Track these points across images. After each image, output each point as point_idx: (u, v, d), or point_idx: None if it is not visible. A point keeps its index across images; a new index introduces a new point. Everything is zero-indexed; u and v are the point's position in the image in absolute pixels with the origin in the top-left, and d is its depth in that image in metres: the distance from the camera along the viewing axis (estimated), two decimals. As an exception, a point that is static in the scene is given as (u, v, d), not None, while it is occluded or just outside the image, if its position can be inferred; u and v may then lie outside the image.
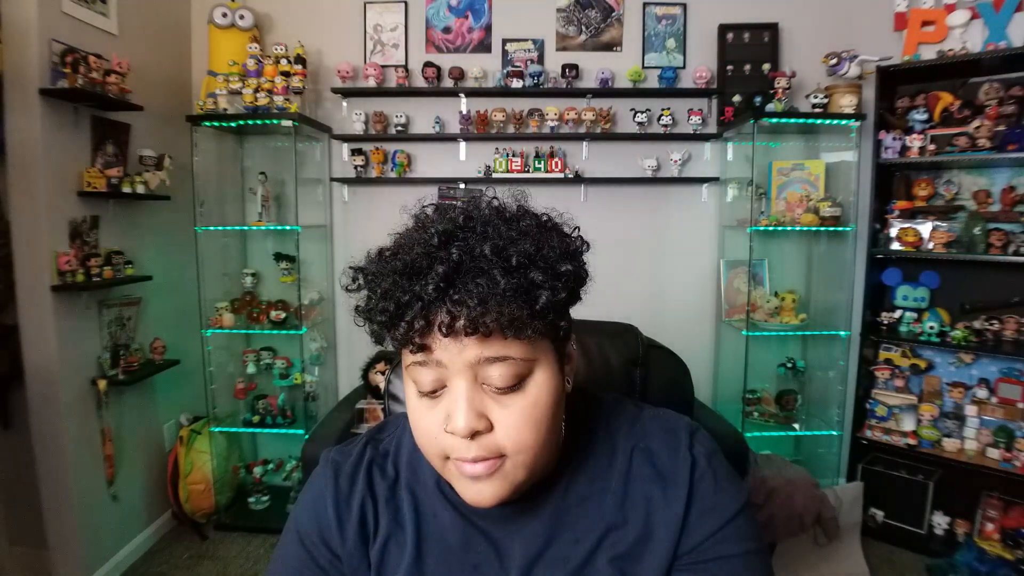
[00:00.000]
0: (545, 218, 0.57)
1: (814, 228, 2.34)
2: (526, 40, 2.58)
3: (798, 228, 2.37)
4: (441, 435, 0.53)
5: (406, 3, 2.56)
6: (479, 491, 0.54)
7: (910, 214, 2.32)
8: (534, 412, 0.53)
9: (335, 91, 2.53)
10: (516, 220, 0.54)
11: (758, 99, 2.43)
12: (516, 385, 0.52)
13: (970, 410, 2.25)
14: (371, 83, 2.49)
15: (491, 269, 0.48)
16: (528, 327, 0.49)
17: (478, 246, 0.50)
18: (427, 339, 0.51)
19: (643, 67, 2.54)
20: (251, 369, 2.52)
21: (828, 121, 2.33)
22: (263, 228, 2.44)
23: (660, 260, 2.68)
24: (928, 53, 2.26)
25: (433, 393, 0.53)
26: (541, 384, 0.53)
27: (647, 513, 0.58)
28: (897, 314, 2.38)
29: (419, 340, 0.50)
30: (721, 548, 0.57)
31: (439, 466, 0.56)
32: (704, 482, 0.59)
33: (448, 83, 2.51)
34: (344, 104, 2.58)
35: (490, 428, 0.52)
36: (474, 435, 0.51)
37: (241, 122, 2.29)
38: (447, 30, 2.58)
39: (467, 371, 0.51)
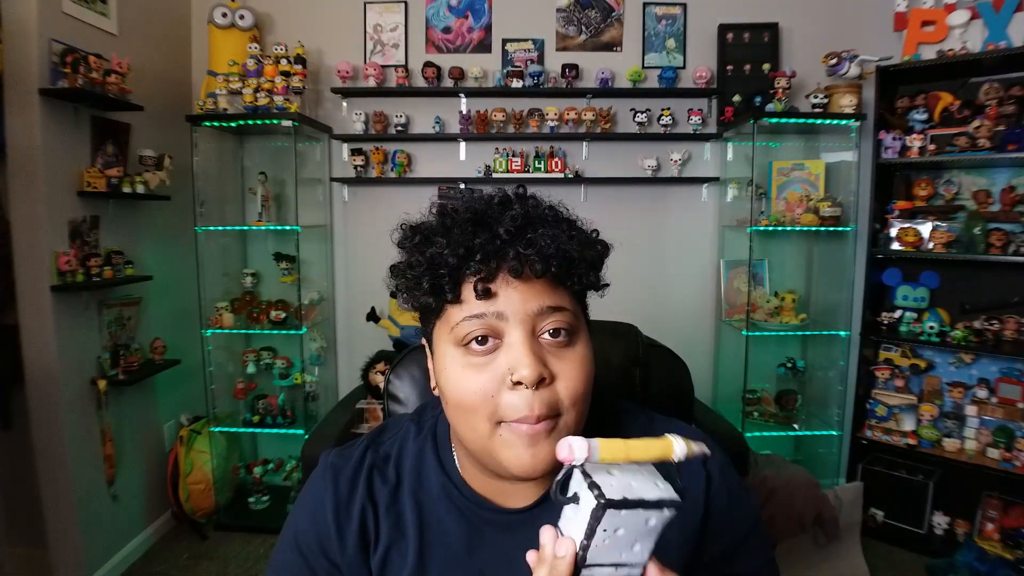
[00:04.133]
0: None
1: (814, 228, 2.34)
2: (526, 40, 2.58)
3: (798, 228, 2.36)
4: (499, 393, 0.52)
5: (406, 3, 2.56)
6: (536, 453, 0.52)
7: (910, 214, 2.32)
8: (585, 365, 0.55)
9: (335, 91, 2.53)
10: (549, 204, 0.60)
11: (758, 99, 2.43)
12: (569, 340, 0.55)
13: (970, 410, 2.25)
14: (371, 83, 2.48)
15: (553, 224, 0.54)
16: (588, 275, 0.55)
17: (538, 209, 0.56)
18: (493, 283, 0.52)
19: (643, 67, 2.54)
20: (251, 369, 2.52)
21: (828, 121, 2.33)
22: (263, 228, 2.44)
23: (660, 260, 2.68)
24: (928, 53, 2.26)
25: (484, 346, 0.53)
26: (586, 344, 0.57)
27: None
28: (897, 314, 2.37)
29: (482, 286, 0.52)
30: (736, 566, 0.58)
31: (485, 435, 0.53)
32: (719, 498, 0.59)
33: (448, 83, 2.51)
34: (344, 104, 2.58)
35: (551, 380, 0.53)
36: (538, 385, 0.52)
37: (241, 122, 2.29)
38: (447, 30, 2.58)
39: (527, 322, 0.53)
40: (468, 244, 0.51)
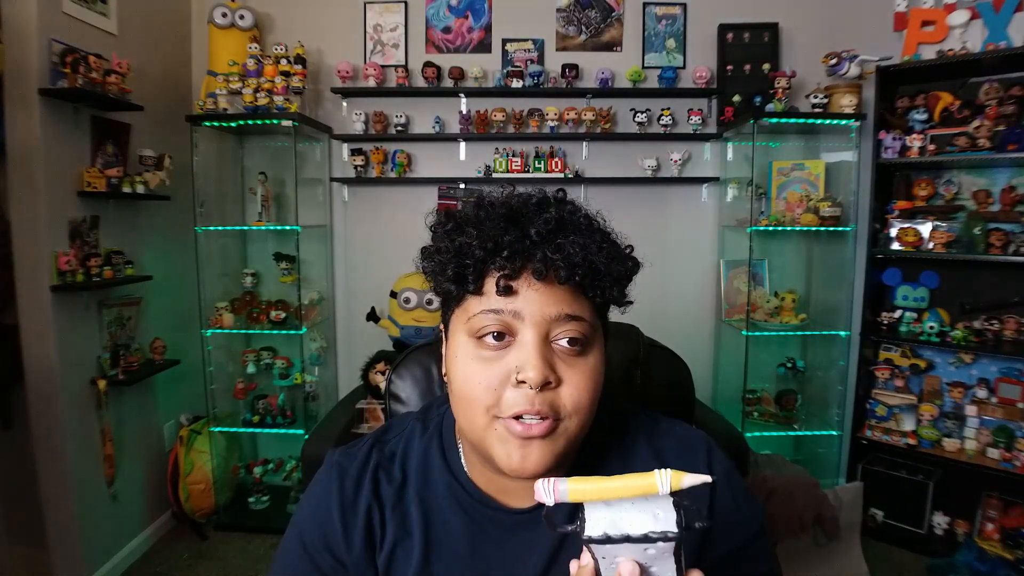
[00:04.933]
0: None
1: (814, 228, 2.34)
2: (526, 40, 2.58)
3: (798, 228, 2.37)
4: (502, 388, 0.52)
5: (406, 3, 2.56)
6: (526, 455, 0.52)
7: (910, 214, 2.32)
8: (594, 376, 0.55)
9: (335, 91, 2.53)
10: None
11: (758, 99, 2.43)
12: (582, 350, 0.55)
13: (970, 410, 2.25)
14: (371, 83, 2.48)
15: (586, 233, 0.54)
16: (612, 289, 0.55)
17: (574, 215, 0.56)
18: (515, 282, 0.52)
19: (643, 67, 2.54)
20: (251, 369, 2.52)
21: (828, 121, 2.33)
22: (263, 228, 2.44)
23: (660, 260, 2.67)
24: (928, 53, 2.26)
25: (497, 342, 0.53)
26: (598, 356, 0.57)
27: None
28: (897, 314, 2.37)
29: (504, 283, 0.52)
30: (740, 569, 0.58)
31: (482, 427, 0.54)
32: (723, 502, 0.59)
33: (448, 83, 2.51)
34: (344, 104, 2.57)
35: (556, 385, 0.53)
36: (542, 388, 0.52)
37: (241, 122, 2.29)
38: (447, 30, 2.58)
39: (543, 326, 0.53)
40: (497, 239, 0.52)
